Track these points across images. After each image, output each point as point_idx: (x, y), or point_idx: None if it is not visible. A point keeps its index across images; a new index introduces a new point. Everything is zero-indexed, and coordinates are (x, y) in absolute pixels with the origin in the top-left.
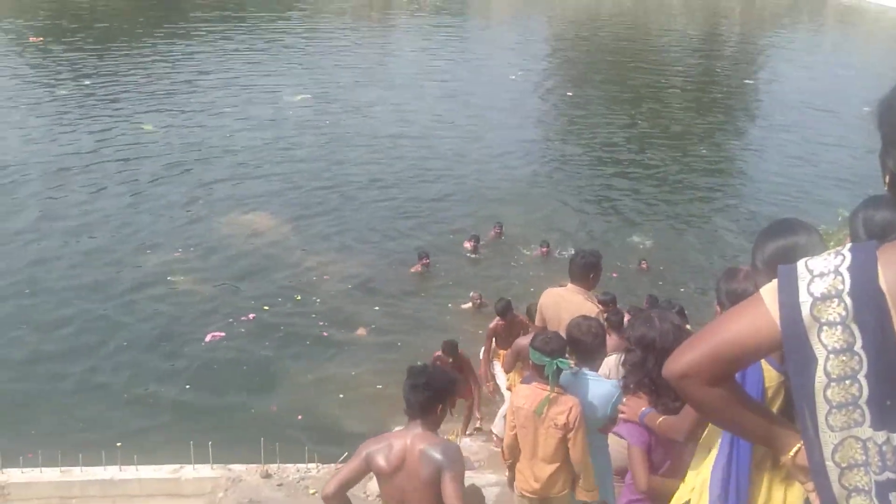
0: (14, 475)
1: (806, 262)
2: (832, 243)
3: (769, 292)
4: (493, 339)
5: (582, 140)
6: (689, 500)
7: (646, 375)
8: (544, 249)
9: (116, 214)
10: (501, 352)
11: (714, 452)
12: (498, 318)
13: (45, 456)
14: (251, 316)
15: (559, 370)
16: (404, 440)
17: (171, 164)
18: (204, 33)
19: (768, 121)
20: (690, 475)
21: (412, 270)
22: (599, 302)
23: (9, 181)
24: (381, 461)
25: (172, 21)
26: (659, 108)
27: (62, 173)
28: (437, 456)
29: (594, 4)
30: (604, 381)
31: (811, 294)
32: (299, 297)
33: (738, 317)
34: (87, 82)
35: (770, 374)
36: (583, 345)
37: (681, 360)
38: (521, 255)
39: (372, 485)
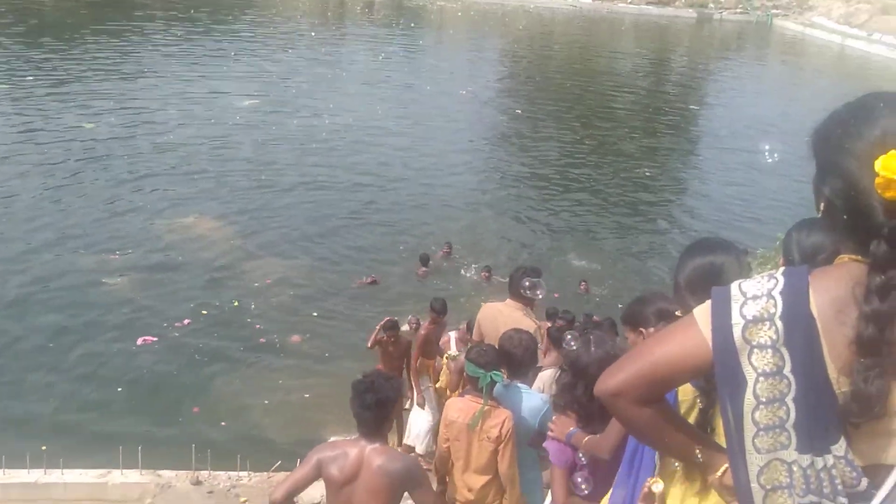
0: None
1: (739, 285)
2: (769, 266)
3: (702, 313)
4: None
5: (529, 157)
6: None
7: (574, 400)
8: (485, 274)
9: (52, 213)
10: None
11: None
12: (434, 316)
13: None
14: (186, 321)
15: (493, 383)
16: (361, 451)
17: (111, 165)
18: (154, 34)
19: (712, 146)
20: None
21: (357, 284)
22: (559, 319)
23: None
24: (333, 470)
25: (121, 19)
26: (606, 129)
27: None
28: (399, 472)
29: (547, 24)
30: (534, 394)
31: (743, 316)
32: (237, 303)
33: (670, 337)
34: (28, 78)
35: (685, 389)
36: (514, 357)
37: (613, 379)
38: (464, 276)
39: (304, 494)
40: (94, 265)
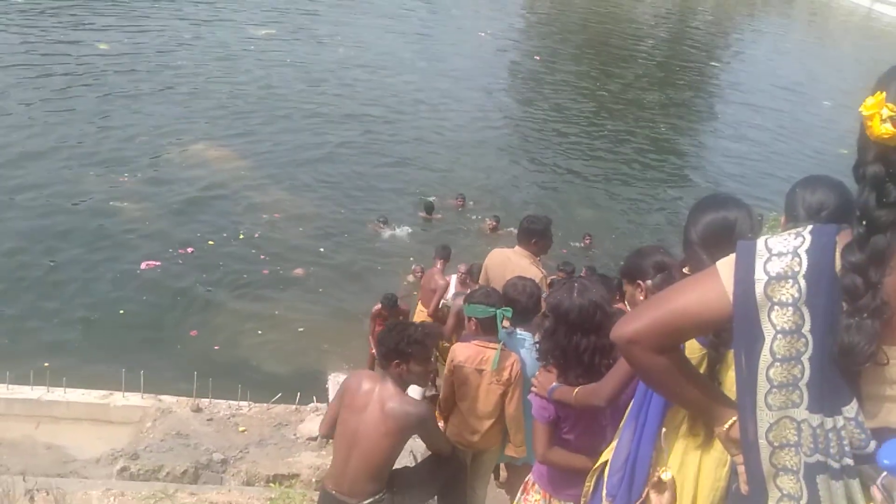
0: None
1: (766, 241)
2: (780, 227)
3: (725, 266)
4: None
5: (544, 104)
6: (607, 461)
7: (556, 346)
8: (492, 223)
9: (63, 133)
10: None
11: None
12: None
13: None
14: (189, 249)
15: (504, 319)
16: (374, 386)
17: (124, 87)
18: None
19: (731, 104)
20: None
21: (369, 226)
22: (559, 270)
23: None
24: (347, 398)
25: None
26: (625, 81)
27: (9, 86)
28: (404, 416)
29: None
30: (519, 332)
31: (767, 273)
32: (242, 235)
33: (691, 288)
34: None
35: (692, 346)
36: (518, 304)
37: (630, 326)
38: (472, 225)
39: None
40: (103, 187)
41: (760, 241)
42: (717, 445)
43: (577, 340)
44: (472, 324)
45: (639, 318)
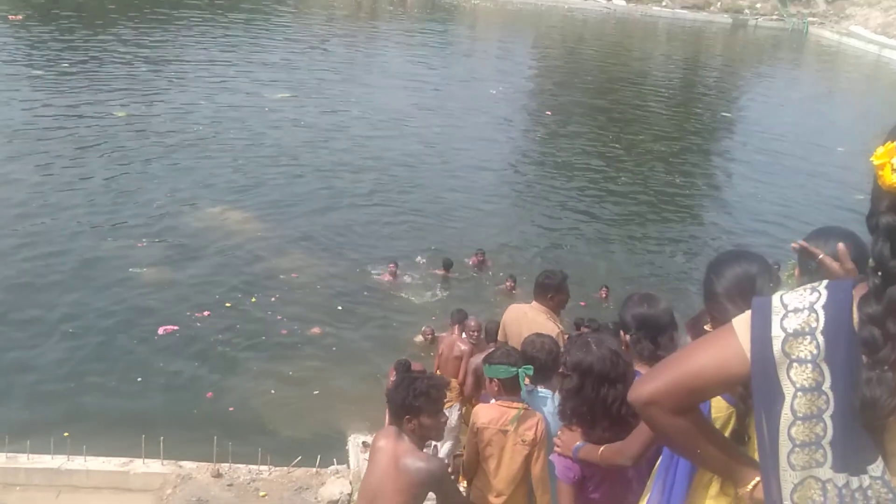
0: None
1: (781, 297)
2: (787, 279)
3: (742, 324)
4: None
5: (557, 159)
6: None
7: (583, 402)
8: (510, 284)
9: (81, 199)
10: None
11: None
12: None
13: None
14: (206, 312)
15: (526, 378)
16: (390, 443)
17: (140, 152)
18: (190, 24)
19: (742, 154)
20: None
21: (382, 278)
22: (584, 327)
23: None
24: (370, 454)
25: (158, 8)
26: (637, 133)
27: (29, 152)
28: (421, 473)
29: (580, 25)
30: (541, 390)
31: (784, 329)
32: (254, 299)
33: (707, 346)
34: (64, 64)
35: (718, 405)
36: (537, 362)
37: (647, 387)
38: (490, 282)
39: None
40: (121, 252)
41: (776, 298)
42: None
43: (605, 392)
44: (494, 384)
45: (655, 378)
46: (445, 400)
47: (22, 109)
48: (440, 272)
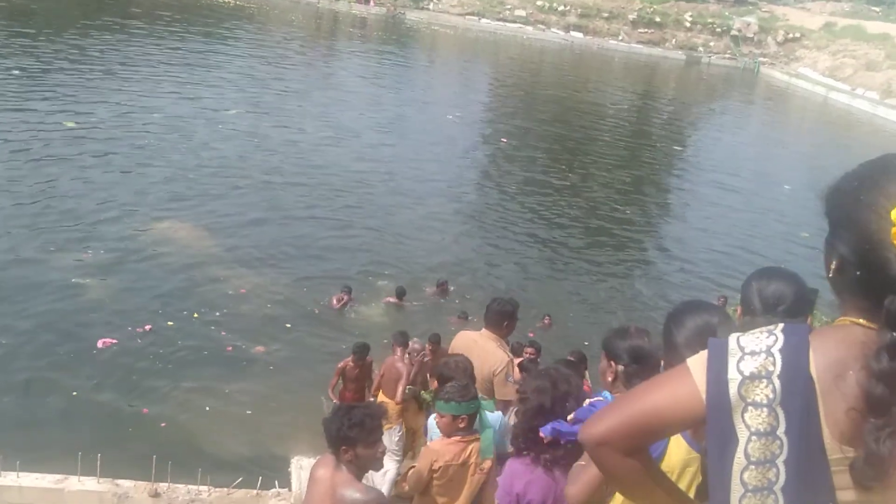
0: None
1: (738, 339)
2: (734, 313)
3: (697, 364)
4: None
5: (509, 187)
6: None
7: (545, 421)
8: (461, 319)
9: (25, 209)
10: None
11: None
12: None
13: None
14: (147, 327)
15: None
16: (327, 473)
17: (89, 164)
18: (143, 36)
19: (693, 186)
20: None
21: (333, 303)
22: (528, 348)
23: None
24: (309, 485)
25: (111, 19)
26: (589, 162)
27: None
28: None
29: (537, 55)
30: (490, 413)
31: (741, 372)
32: (196, 315)
33: (661, 386)
34: (15, 72)
35: (679, 449)
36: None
37: (599, 426)
38: (442, 312)
39: None
40: (64, 263)
41: (732, 339)
42: None
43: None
44: (447, 418)
45: (608, 418)
46: (385, 424)
47: None
48: (393, 300)
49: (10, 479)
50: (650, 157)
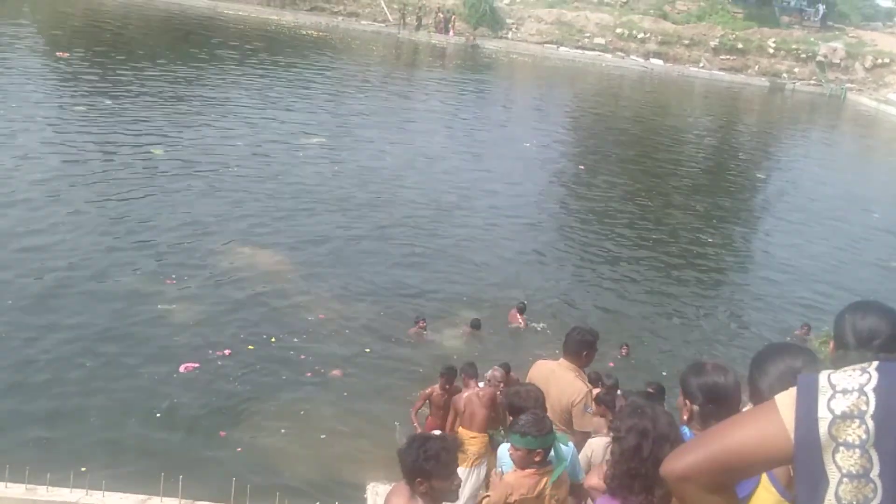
0: None
1: (829, 376)
2: (820, 346)
3: (786, 401)
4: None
5: (588, 215)
6: None
7: (641, 464)
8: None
9: (115, 236)
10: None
11: None
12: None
13: (11, 471)
14: (227, 351)
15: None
16: (400, 502)
17: (176, 192)
18: (231, 67)
19: (777, 218)
20: None
21: (410, 332)
22: (604, 381)
23: (11, 192)
24: None
25: (198, 50)
26: (669, 191)
27: (67, 190)
28: None
29: (616, 82)
30: (564, 446)
31: (831, 411)
32: (277, 338)
33: (748, 423)
34: (107, 101)
35: (769, 496)
36: (527, 411)
37: (682, 461)
38: (520, 339)
39: None
40: (150, 289)
41: (823, 376)
42: None
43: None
44: (521, 451)
45: (692, 453)
46: (474, 458)
47: (63, 145)
48: (468, 330)
49: (97, 497)
50: (732, 184)
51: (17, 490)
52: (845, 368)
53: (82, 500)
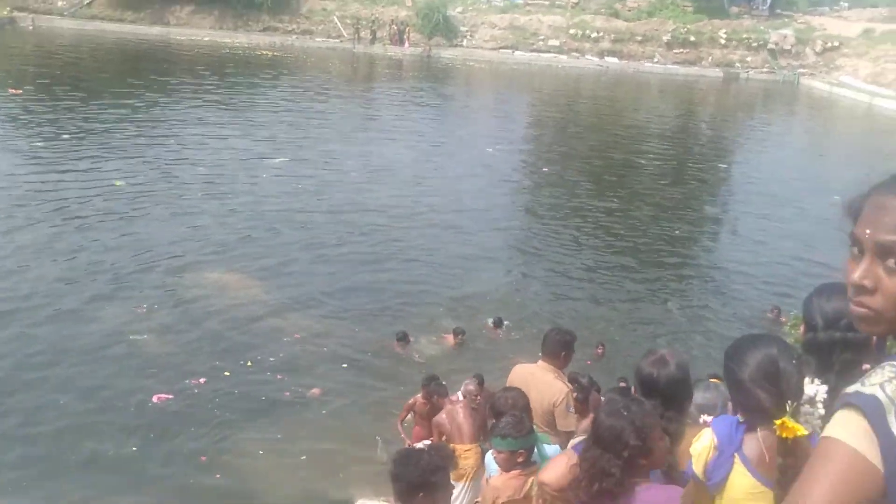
0: None
1: (883, 389)
2: (790, 329)
3: (853, 432)
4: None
5: (555, 215)
6: None
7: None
8: (452, 337)
9: (79, 268)
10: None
11: None
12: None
13: None
14: (202, 380)
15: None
16: None
17: (139, 221)
18: (185, 92)
19: (741, 206)
20: None
21: (390, 345)
22: (622, 388)
23: None
24: None
25: (150, 77)
26: (634, 186)
27: (27, 223)
28: None
29: (573, 82)
30: (544, 442)
31: None
32: (252, 362)
33: (824, 471)
34: (64, 136)
35: (743, 483)
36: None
37: None
38: (498, 346)
39: None
40: (119, 319)
41: (879, 393)
42: None
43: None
44: (504, 455)
45: None
46: (471, 471)
47: (22, 181)
48: (449, 337)
49: None
50: (696, 175)
51: None
52: (876, 374)
53: None
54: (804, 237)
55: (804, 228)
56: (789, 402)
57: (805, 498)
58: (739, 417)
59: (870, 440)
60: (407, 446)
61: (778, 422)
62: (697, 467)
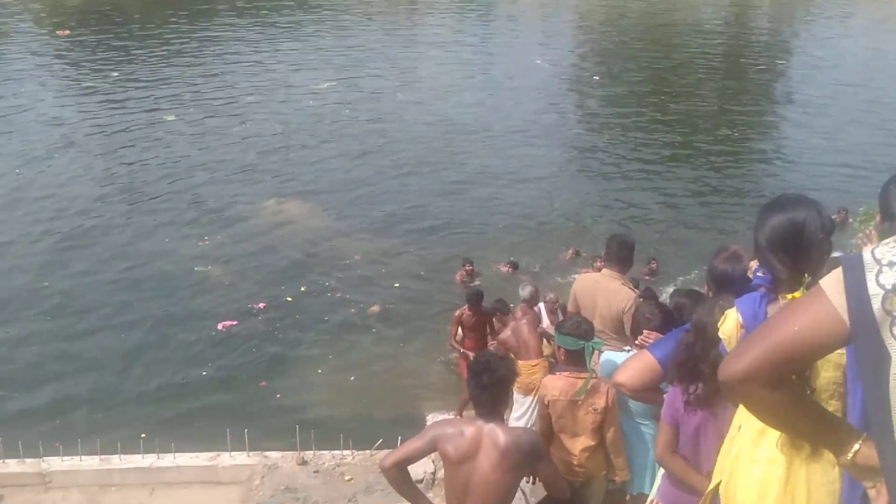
0: (55, 463)
1: (872, 251)
2: (872, 222)
3: (832, 285)
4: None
5: (606, 125)
6: (721, 482)
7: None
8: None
9: (140, 202)
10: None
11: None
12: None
13: (84, 444)
14: (261, 305)
15: (593, 351)
16: (478, 431)
17: (193, 154)
18: (231, 23)
19: (800, 105)
20: (721, 456)
21: (457, 276)
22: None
23: (30, 169)
24: (450, 448)
25: (198, 13)
26: (688, 89)
27: (86, 162)
28: (526, 446)
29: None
30: (617, 353)
31: (882, 286)
32: (311, 287)
33: (798, 313)
34: (114, 74)
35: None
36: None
37: (740, 363)
38: (552, 263)
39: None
40: (182, 252)
41: (866, 253)
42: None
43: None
44: (562, 353)
45: (747, 353)
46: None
47: (76, 121)
48: (506, 269)
49: (168, 460)
50: (753, 76)
51: (91, 462)
52: (887, 241)
53: (155, 465)
54: (870, 133)
55: (871, 122)
56: (806, 275)
57: (776, 330)
58: (762, 290)
59: (839, 291)
60: (474, 358)
61: (790, 295)
62: (730, 348)
